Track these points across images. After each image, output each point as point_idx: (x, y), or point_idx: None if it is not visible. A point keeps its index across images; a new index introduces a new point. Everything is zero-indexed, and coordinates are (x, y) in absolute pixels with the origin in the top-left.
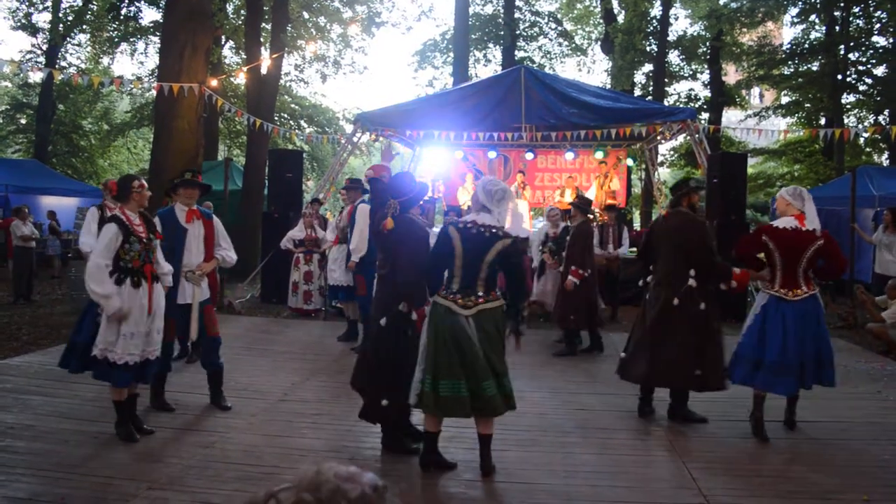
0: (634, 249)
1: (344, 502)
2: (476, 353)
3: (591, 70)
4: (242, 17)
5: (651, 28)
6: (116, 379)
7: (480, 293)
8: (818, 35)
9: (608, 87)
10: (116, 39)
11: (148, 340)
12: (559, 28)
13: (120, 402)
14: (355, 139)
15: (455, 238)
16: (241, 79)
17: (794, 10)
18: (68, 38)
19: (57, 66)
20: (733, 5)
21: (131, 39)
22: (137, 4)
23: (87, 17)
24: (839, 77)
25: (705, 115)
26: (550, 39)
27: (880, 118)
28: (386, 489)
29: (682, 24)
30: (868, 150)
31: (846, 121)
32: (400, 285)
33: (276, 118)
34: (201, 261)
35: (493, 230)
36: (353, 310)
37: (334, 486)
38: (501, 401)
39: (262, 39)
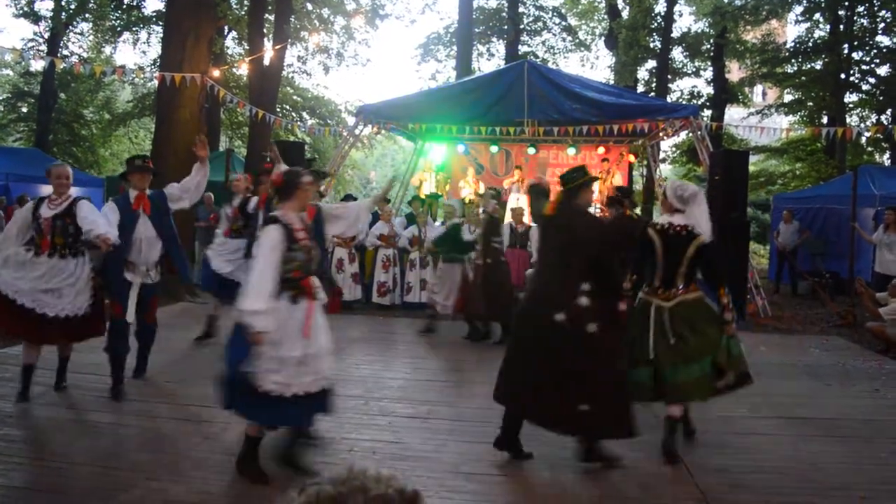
0: None
1: (361, 498)
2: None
3: (594, 66)
4: (246, 8)
5: (655, 24)
6: (280, 418)
7: (680, 286)
8: (822, 34)
9: (611, 82)
10: (119, 28)
11: (309, 370)
12: (563, 23)
13: (256, 437)
14: (357, 132)
15: (656, 239)
16: (243, 69)
17: (798, 9)
18: (70, 27)
19: (59, 55)
20: (737, 3)
21: (134, 29)
22: None
23: (90, 5)
24: (842, 76)
25: (708, 112)
26: (554, 34)
27: (882, 118)
28: (417, 495)
29: (686, 20)
30: (870, 149)
31: (848, 120)
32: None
33: (278, 109)
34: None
35: (688, 230)
36: (217, 306)
37: (359, 484)
38: (693, 386)
39: (265, 30)
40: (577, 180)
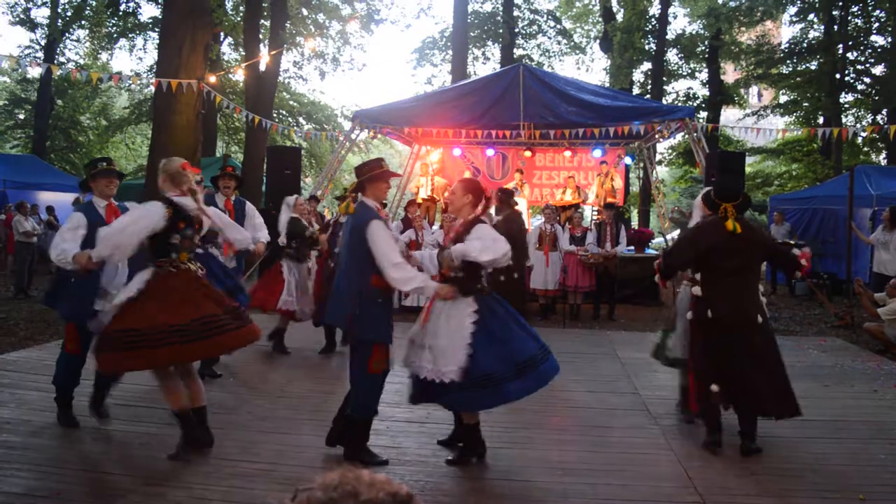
0: (632, 248)
1: (352, 502)
2: None
3: (589, 68)
4: (241, 14)
5: (650, 26)
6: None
7: None
8: (817, 34)
9: (607, 85)
10: (115, 35)
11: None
12: (558, 26)
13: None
14: (353, 136)
15: None
16: (239, 75)
17: (792, 10)
18: (67, 34)
19: (55, 62)
20: (732, 4)
21: (130, 35)
22: (136, 0)
23: (86, 12)
24: (837, 76)
25: (704, 114)
26: (549, 37)
27: (878, 117)
28: (411, 498)
29: (680, 22)
30: (866, 149)
31: (844, 120)
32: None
33: (274, 115)
34: None
35: None
36: None
37: (351, 489)
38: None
39: (260, 36)
40: (740, 195)
